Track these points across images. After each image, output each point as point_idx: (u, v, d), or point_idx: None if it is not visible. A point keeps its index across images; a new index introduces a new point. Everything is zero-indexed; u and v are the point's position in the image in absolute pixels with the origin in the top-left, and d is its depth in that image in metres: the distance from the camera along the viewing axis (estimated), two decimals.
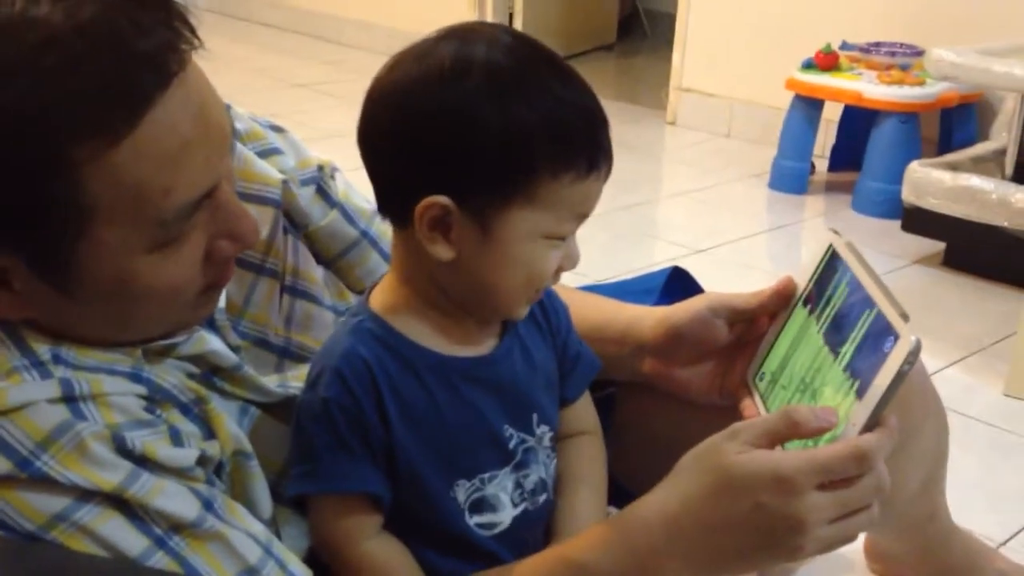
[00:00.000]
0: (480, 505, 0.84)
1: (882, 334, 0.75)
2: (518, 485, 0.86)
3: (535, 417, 0.87)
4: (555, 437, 0.90)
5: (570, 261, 0.82)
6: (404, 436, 0.80)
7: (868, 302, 0.79)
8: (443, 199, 0.76)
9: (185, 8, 0.71)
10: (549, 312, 0.91)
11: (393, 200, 0.80)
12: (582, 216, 0.81)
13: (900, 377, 0.72)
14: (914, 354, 0.72)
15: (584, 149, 0.77)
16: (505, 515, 0.85)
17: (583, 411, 0.95)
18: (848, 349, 0.79)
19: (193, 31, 0.71)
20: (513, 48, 0.78)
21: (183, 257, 0.73)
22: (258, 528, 0.77)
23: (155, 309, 0.75)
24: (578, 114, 0.78)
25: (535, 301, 0.85)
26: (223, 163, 0.74)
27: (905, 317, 0.75)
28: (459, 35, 0.79)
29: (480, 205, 0.77)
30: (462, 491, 0.83)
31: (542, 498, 0.88)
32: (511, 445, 0.85)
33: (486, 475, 0.84)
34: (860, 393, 0.75)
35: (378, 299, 0.84)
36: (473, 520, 0.84)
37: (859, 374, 0.76)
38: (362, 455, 0.79)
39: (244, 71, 4.19)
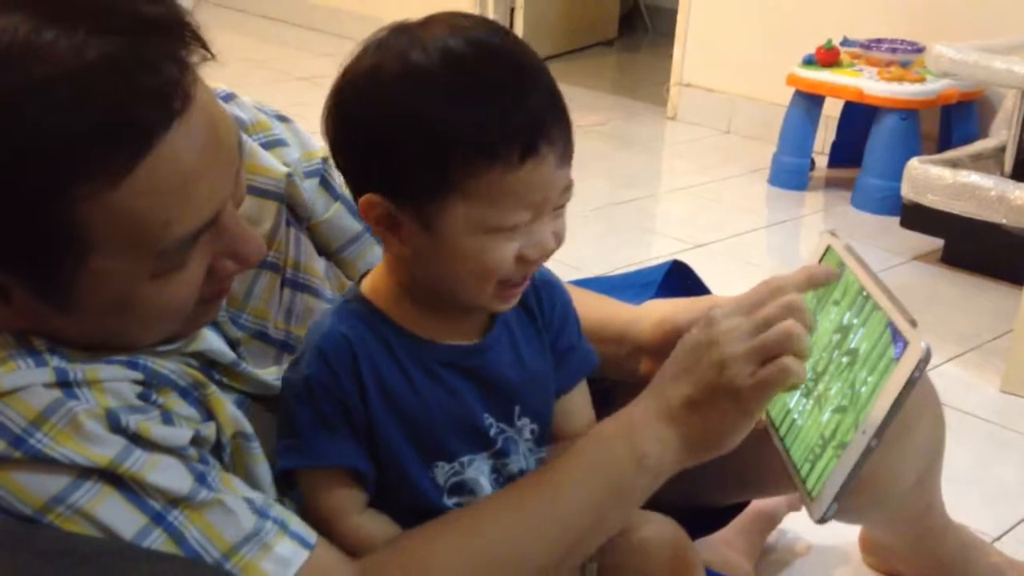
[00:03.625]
0: (460, 488, 0.85)
1: (890, 340, 0.75)
2: (495, 470, 0.86)
3: (517, 410, 0.87)
4: (543, 432, 0.90)
5: (537, 249, 0.79)
6: (382, 414, 0.81)
7: (874, 307, 0.78)
8: (375, 198, 0.77)
9: (195, 24, 0.70)
10: (544, 304, 0.90)
11: (354, 198, 0.82)
12: (536, 205, 0.77)
13: (911, 384, 0.72)
14: (924, 361, 0.71)
15: (512, 139, 0.74)
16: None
17: (574, 409, 0.93)
18: (854, 354, 0.79)
19: (204, 45, 0.70)
20: (442, 44, 0.76)
21: (184, 279, 0.73)
22: (254, 494, 0.77)
23: (154, 324, 0.75)
24: (499, 104, 0.75)
25: (513, 294, 0.83)
26: (229, 185, 0.74)
27: (914, 324, 0.74)
28: (394, 31, 0.79)
29: (415, 202, 0.77)
30: (441, 473, 0.84)
31: None
32: (491, 433, 0.86)
33: (465, 459, 0.85)
34: (870, 399, 0.74)
35: (367, 283, 0.85)
36: (452, 501, 0.85)
37: (867, 380, 0.76)
38: (343, 432, 0.80)
39: (243, 63, 4.18)
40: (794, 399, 0.84)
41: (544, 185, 0.77)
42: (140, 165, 0.66)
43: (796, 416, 0.83)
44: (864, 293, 0.80)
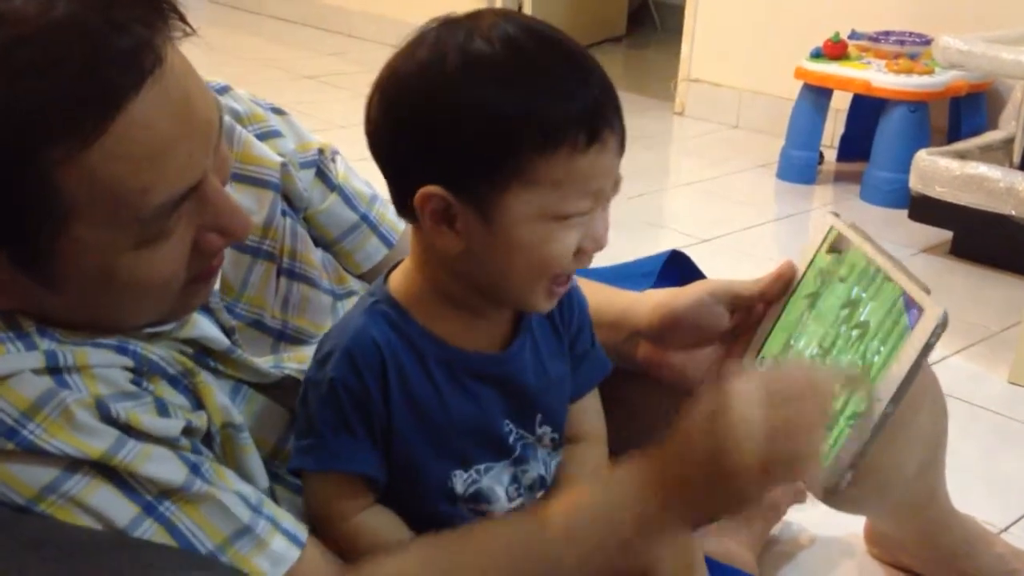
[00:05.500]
0: (476, 496, 0.84)
1: (903, 309, 0.75)
2: (515, 479, 0.86)
3: (538, 418, 0.87)
4: (559, 437, 0.89)
5: (593, 242, 0.79)
6: (404, 421, 0.80)
7: (884, 279, 0.78)
8: (436, 189, 0.76)
9: None
10: (564, 306, 0.89)
11: (397, 195, 0.80)
12: (595, 193, 0.77)
13: (927, 349, 0.72)
14: (942, 326, 0.71)
15: (578, 122, 0.75)
16: (499, 507, 0.85)
17: (586, 413, 0.93)
18: (865, 326, 0.79)
19: (182, 18, 0.70)
20: (501, 34, 0.76)
21: (167, 251, 0.73)
22: (247, 489, 0.77)
23: (141, 301, 0.75)
24: (567, 88, 0.75)
25: (559, 293, 0.82)
26: (208, 157, 0.73)
27: (927, 291, 0.74)
28: (446, 24, 0.78)
29: (476, 192, 0.76)
30: (459, 482, 0.83)
31: (539, 495, 0.88)
32: (510, 440, 0.85)
33: (482, 466, 0.84)
34: (883, 368, 0.74)
35: (396, 283, 0.84)
36: (466, 508, 0.84)
37: (879, 350, 0.76)
38: (363, 437, 0.80)
39: (252, 62, 4.19)
40: None
41: (605, 172, 0.77)
42: (112, 127, 0.66)
43: None
44: (874, 267, 0.80)
